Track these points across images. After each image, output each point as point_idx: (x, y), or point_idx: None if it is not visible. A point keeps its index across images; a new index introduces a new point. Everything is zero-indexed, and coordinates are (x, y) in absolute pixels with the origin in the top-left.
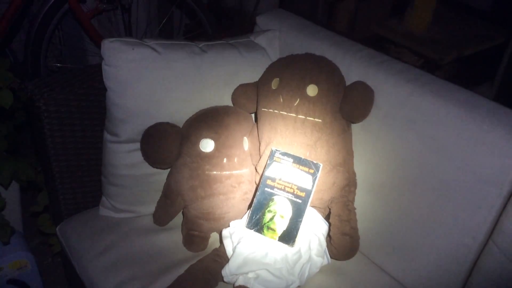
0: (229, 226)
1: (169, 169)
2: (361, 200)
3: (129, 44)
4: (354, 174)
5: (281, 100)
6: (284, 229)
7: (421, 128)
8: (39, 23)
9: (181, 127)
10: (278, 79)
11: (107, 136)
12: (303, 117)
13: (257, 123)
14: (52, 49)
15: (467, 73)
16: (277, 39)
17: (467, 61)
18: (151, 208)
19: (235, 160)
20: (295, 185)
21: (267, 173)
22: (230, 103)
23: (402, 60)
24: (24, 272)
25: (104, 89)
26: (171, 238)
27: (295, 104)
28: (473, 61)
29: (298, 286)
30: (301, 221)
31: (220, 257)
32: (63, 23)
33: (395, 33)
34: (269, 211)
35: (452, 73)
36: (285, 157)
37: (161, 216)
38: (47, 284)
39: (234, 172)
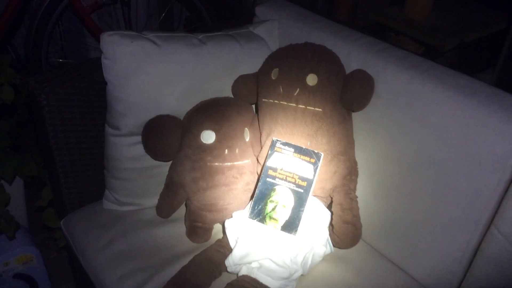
0: (231, 217)
1: (171, 162)
2: (362, 189)
3: (128, 37)
4: (356, 162)
5: (281, 90)
6: (287, 218)
7: (421, 114)
8: (39, 19)
9: (182, 119)
10: (277, 69)
11: (108, 129)
12: (303, 106)
13: (257, 114)
14: (53, 44)
15: (469, 60)
16: (276, 29)
17: (469, 48)
18: (154, 200)
19: (237, 151)
20: (296, 174)
21: (268, 164)
22: (230, 94)
23: (403, 47)
24: (30, 267)
25: (104, 83)
26: (175, 230)
27: (295, 94)
28: (474, 48)
29: (301, 275)
30: (303, 211)
31: (223, 247)
32: (63, 18)
33: (396, 21)
34: (271, 201)
35: (453, 60)
36: (286, 147)
37: (164, 208)
38: (53, 278)
39: (236, 163)
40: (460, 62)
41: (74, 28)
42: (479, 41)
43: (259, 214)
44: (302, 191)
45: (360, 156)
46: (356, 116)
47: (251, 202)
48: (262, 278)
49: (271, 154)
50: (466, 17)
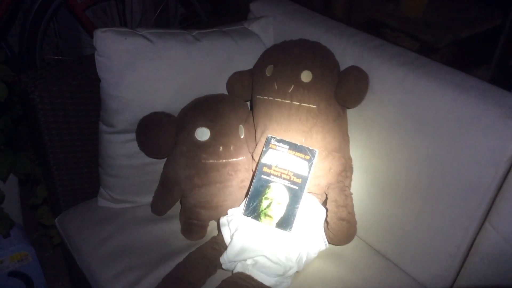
0: (226, 214)
1: (165, 159)
2: (357, 185)
3: (121, 34)
4: (350, 159)
5: (276, 87)
6: (281, 215)
7: (416, 111)
8: (33, 16)
9: (176, 116)
10: (272, 66)
11: (102, 127)
12: (298, 103)
13: (252, 111)
14: (48, 41)
15: (464, 56)
16: (271, 25)
17: (464, 44)
18: (149, 198)
19: (231, 148)
20: (291, 171)
21: (263, 160)
22: (224, 91)
23: (398, 44)
24: (25, 264)
25: (98, 80)
26: (170, 227)
27: (290, 91)
28: (470, 44)
29: (296, 272)
30: (298, 207)
31: (219, 244)
32: (58, 15)
33: (391, 17)
34: (266, 198)
35: (449, 57)
36: (281, 144)
37: (159, 206)
38: (48, 276)
39: (231, 160)
40: (456, 58)
41: (69, 25)
42: (474, 37)
43: (254, 211)
44: (297, 188)
45: (355, 152)
46: (351, 113)
47: (246, 199)
48: (257, 275)
49: (265, 151)
50: (461, 13)
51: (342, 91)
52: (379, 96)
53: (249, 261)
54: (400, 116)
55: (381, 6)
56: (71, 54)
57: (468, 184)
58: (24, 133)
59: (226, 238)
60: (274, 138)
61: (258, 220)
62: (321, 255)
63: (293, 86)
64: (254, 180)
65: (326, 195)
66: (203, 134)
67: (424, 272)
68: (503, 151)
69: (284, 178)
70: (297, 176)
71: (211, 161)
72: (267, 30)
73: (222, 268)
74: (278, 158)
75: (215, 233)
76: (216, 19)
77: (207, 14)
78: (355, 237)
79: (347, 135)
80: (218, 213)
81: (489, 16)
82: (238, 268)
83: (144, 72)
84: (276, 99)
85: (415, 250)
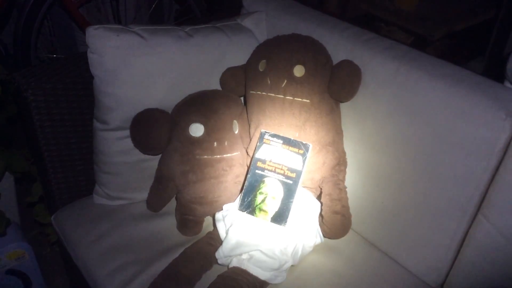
0: (222, 209)
1: (160, 155)
2: (351, 179)
3: (113, 31)
4: (344, 153)
5: (269, 82)
6: (276, 210)
7: (408, 104)
8: (27, 14)
9: (170, 112)
10: (265, 61)
11: (96, 124)
12: (291, 98)
13: (246, 106)
14: (43, 39)
15: (458, 49)
16: (264, 20)
17: (458, 37)
18: (145, 194)
19: (226, 143)
20: (285, 166)
21: (257, 155)
22: (218, 87)
23: (392, 37)
24: (22, 262)
25: (91, 77)
26: (165, 223)
27: (283, 86)
28: (464, 37)
29: (292, 266)
30: (292, 202)
31: (214, 240)
32: (52, 13)
33: (385, 11)
34: (261, 193)
35: (443, 50)
36: (275, 139)
37: (155, 202)
38: (46, 274)
39: (225, 155)
40: (450, 51)
41: (63, 23)
42: (468, 30)
43: (249, 206)
44: (291, 182)
45: (349, 146)
46: (344, 107)
47: (241, 194)
48: (253, 270)
49: (259, 146)
50: (454, 6)
51: (335, 85)
52: (371, 89)
53: (244, 256)
54: (393, 109)
55: (375, 0)
56: (66, 52)
57: (460, 175)
58: (19, 132)
59: (222, 233)
60: (268, 133)
61: (253, 215)
62: (316, 248)
63: (286, 80)
64: (249, 175)
65: (321, 189)
66: (197, 130)
67: (419, 263)
68: (494, 143)
69: (278, 173)
70: (291, 170)
71: (205, 156)
72: (260, 25)
73: (218, 263)
74: (272, 153)
75: (211, 228)
76: (210, 15)
77: (202, 10)
78: (350, 230)
79: (341, 129)
80: (213, 208)
81: (482, 8)
82: (234, 263)
83: (137, 69)
84: (269, 94)
85: (409, 242)
